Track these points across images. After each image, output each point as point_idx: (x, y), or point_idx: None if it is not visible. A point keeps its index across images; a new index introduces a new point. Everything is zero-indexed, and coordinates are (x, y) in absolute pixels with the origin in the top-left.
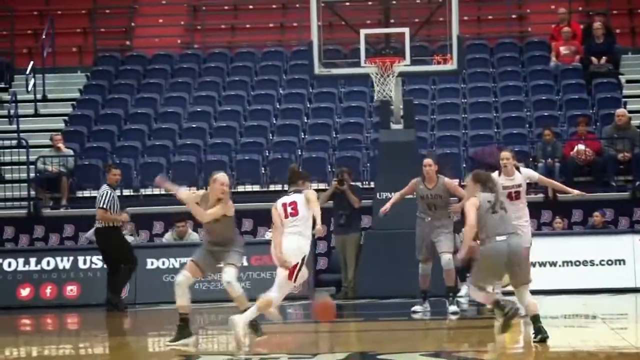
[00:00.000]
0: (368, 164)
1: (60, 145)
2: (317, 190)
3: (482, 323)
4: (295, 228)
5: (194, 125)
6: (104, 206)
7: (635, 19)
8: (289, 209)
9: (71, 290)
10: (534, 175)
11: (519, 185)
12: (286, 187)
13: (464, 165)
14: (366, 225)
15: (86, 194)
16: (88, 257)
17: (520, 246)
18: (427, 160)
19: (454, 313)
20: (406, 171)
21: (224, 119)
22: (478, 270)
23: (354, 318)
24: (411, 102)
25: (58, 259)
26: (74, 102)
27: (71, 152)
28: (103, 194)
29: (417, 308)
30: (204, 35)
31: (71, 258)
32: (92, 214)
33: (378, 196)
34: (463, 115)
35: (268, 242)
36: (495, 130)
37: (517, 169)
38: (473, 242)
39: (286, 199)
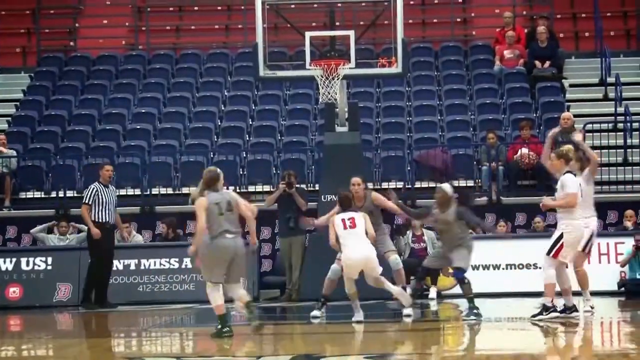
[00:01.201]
0: (313, 167)
1: (2, 148)
2: (263, 193)
3: (427, 326)
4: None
5: (138, 127)
6: (87, 202)
7: (579, 23)
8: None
9: (14, 292)
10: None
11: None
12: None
13: (409, 168)
14: (310, 228)
15: (29, 195)
16: (31, 259)
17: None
18: (356, 180)
19: (407, 315)
20: (351, 174)
21: (168, 120)
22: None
23: (298, 320)
24: (356, 105)
25: (0, 260)
26: (17, 103)
27: (14, 152)
28: (89, 190)
29: (315, 313)
30: (149, 37)
31: (14, 259)
32: (36, 216)
33: (323, 199)
34: (408, 118)
35: None
36: (440, 133)
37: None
38: None
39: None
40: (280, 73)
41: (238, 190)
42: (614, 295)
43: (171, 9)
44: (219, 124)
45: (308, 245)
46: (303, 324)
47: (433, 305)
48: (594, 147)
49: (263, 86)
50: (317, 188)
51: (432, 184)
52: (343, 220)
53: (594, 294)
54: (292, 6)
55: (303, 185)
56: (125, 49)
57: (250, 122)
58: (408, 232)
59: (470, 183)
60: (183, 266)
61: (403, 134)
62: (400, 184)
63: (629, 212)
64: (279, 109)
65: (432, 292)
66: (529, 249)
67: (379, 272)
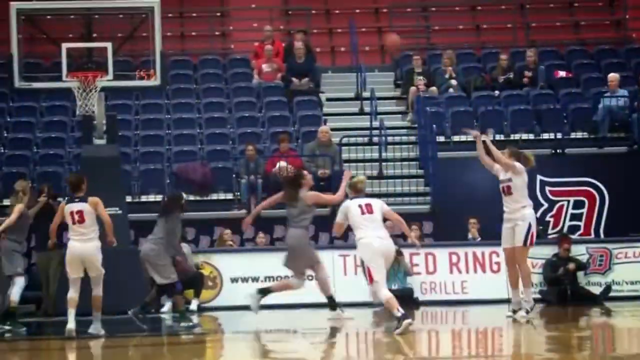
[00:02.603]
0: None
1: None
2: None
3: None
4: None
5: None
6: None
7: (335, 38)
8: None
9: None
10: None
11: None
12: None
13: (168, 181)
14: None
15: None
16: None
17: None
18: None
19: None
20: (109, 187)
21: None
22: None
23: (54, 335)
24: (114, 117)
25: None
26: None
27: None
28: None
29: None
30: None
31: None
32: None
33: None
34: (167, 131)
35: None
36: (200, 146)
37: None
38: None
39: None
40: (36, 84)
41: None
42: (368, 307)
43: None
44: None
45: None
46: (59, 339)
47: (194, 318)
48: (349, 161)
49: (18, 98)
50: None
51: (191, 198)
52: None
53: (351, 305)
54: (48, 17)
55: (60, 199)
56: None
57: (6, 134)
58: None
59: (230, 196)
60: None
61: (162, 147)
62: (159, 197)
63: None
64: (35, 120)
65: (194, 304)
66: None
67: None
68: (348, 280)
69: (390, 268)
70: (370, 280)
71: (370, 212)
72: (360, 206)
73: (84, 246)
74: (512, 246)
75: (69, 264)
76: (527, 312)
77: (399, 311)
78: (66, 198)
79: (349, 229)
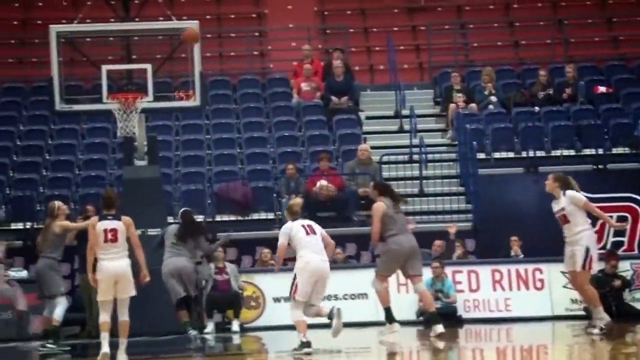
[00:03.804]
0: None
1: None
2: None
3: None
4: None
5: None
6: None
7: (373, 56)
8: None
9: None
10: None
11: None
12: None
13: (209, 202)
14: None
15: None
16: None
17: None
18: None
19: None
20: (151, 208)
21: None
22: None
23: None
24: (154, 138)
25: None
26: None
27: None
28: None
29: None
30: None
31: None
32: None
33: None
34: (207, 152)
35: None
36: (240, 166)
37: None
38: None
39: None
40: (77, 107)
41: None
42: (413, 325)
43: None
44: (15, 158)
45: None
46: None
47: (236, 339)
48: (390, 179)
49: (59, 120)
50: None
51: (232, 217)
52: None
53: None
54: (88, 39)
55: None
56: None
57: (47, 157)
58: (211, 263)
59: (271, 215)
60: None
61: (203, 167)
62: (200, 218)
63: (438, 242)
64: (76, 143)
65: (235, 325)
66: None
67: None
68: (392, 298)
69: (432, 285)
70: (293, 296)
71: (313, 232)
72: (304, 227)
73: (117, 264)
74: (573, 269)
75: (101, 285)
76: (601, 329)
77: (305, 337)
78: (98, 215)
79: None
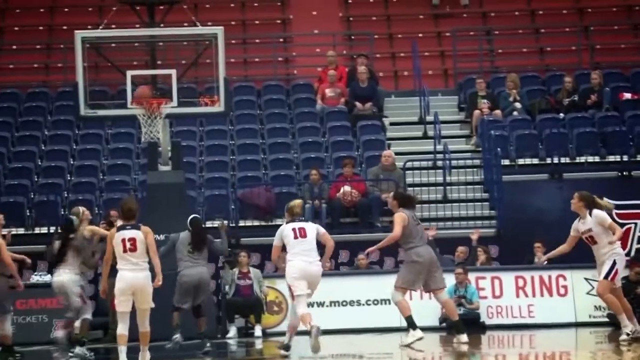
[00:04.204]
0: None
1: None
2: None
3: None
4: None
5: None
6: None
7: (398, 62)
8: (128, 244)
9: None
10: None
11: None
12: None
13: (233, 207)
14: None
15: None
16: None
17: None
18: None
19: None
20: (174, 213)
21: None
22: None
23: None
24: (179, 144)
25: None
26: None
27: None
28: None
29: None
30: None
31: None
32: None
33: None
34: (231, 157)
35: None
36: (264, 171)
37: None
38: None
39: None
40: (102, 112)
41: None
42: (435, 331)
43: None
44: (39, 163)
45: None
46: None
47: (258, 344)
48: (413, 185)
49: (84, 125)
50: None
51: (255, 223)
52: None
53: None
54: (113, 45)
55: None
56: None
57: (72, 162)
58: (234, 268)
59: None
60: None
61: (226, 173)
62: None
63: (461, 248)
64: (100, 148)
65: (258, 330)
66: (352, 286)
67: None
68: (414, 304)
69: (455, 291)
70: (293, 297)
71: (304, 236)
72: (294, 230)
73: (136, 276)
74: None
75: (119, 296)
76: (627, 334)
77: (290, 338)
78: (117, 225)
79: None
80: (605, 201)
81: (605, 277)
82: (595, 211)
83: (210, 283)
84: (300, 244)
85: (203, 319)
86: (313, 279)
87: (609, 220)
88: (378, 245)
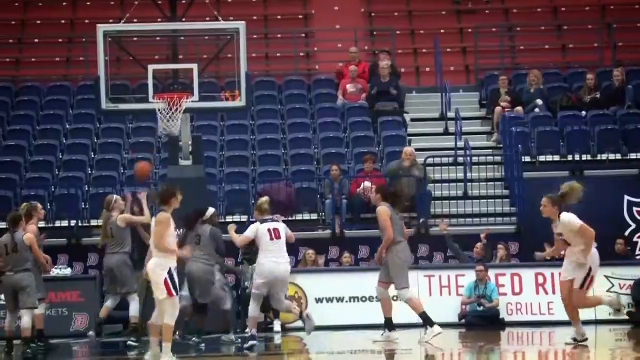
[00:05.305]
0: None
1: None
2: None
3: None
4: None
5: None
6: None
7: (420, 58)
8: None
9: None
10: None
11: None
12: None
13: (253, 202)
14: None
15: None
16: None
17: None
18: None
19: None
20: (195, 207)
21: (7, 154)
22: None
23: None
24: (200, 139)
25: None
26: None
27: None
28: None
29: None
30: None
31: None
32: None
33: None
34: (252, 152)
35: None
36: (284, 167)
37: None
38: None
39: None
40: (123, 106)
41: (80, 225)
42: (455, 327)
43: (11, 41)
44: (60, 157)
45: None
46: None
47: (277, 339)
48: (435, 181)
49: (105, 119)
50: None
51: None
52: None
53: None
54: (135, 39)
55: None
56: None
57: (93, 156)
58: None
59: (314, 216)
60: None
61: (247, 168)
62: (244, 218)
63: (479, 245)
64: (121, 142)
65: (277, 326)
66: (372, 282)
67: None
68: (434, 300)
69: (475, 288)
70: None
71: (278, 237)
72: (269, 231)
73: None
74: (568, 280)
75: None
76: (575, 340)
77: (250, 333)
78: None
79: None
80: (574, 185)
81: (581, 287)
82: (563, 216)
83: (213, 281)
84: (274, 245)
85: (202, 317)
86: (281, 279)
87: (578, 224)
88: (381, 251)
